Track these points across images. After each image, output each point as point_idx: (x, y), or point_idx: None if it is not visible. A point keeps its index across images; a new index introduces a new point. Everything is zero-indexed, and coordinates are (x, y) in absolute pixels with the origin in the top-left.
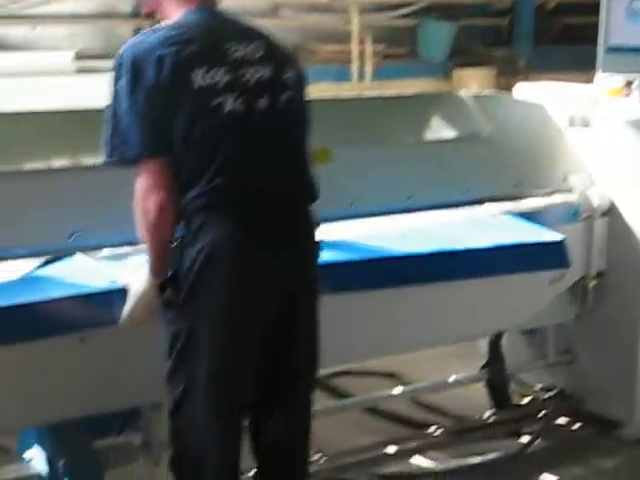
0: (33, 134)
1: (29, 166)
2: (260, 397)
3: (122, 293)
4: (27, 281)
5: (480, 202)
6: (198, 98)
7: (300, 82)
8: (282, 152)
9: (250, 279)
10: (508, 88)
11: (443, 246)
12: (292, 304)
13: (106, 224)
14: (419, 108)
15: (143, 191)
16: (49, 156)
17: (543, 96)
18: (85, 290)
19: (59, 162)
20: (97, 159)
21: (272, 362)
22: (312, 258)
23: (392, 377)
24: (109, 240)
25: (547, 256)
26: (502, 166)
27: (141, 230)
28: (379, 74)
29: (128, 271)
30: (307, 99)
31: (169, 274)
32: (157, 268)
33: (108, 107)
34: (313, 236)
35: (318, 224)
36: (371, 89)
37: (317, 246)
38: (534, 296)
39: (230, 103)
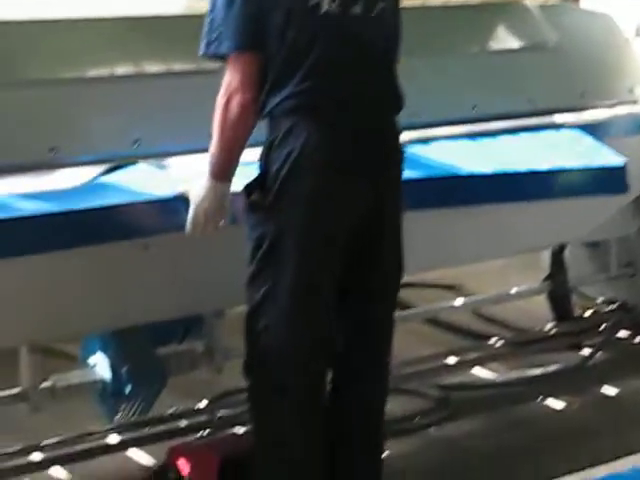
0: (96, 41)
1: (93, 73)
2: (342, 299)
3: (185, 200)
4: (91, 187)
5: (544, 113)
6: None
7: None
8: (373, 59)
9: (338, 184)
10: None
11: (506, 167)
12: (378, 212)
13: (169, 132)
14: (484, 17)
15: (230, 87)
16: (112, 64)
17: (610, 5)
18: (149, 197)
19: (123, 69)
20: (160, 67)
21: (356, 270)
22: (398, 167)
23: (453, 289)
24: (172, 148)
25: (607, 181)
26: (567, 77)
27: (217, 127)
28: None
29: (190, 178)
30: (399, 11)
31: (256, 177)
32: (222, 170)
33: (209, 1)
34: (398, 145)
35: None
36: None
37: (402, 155)
38: (597, 209)
39: (327, 3)
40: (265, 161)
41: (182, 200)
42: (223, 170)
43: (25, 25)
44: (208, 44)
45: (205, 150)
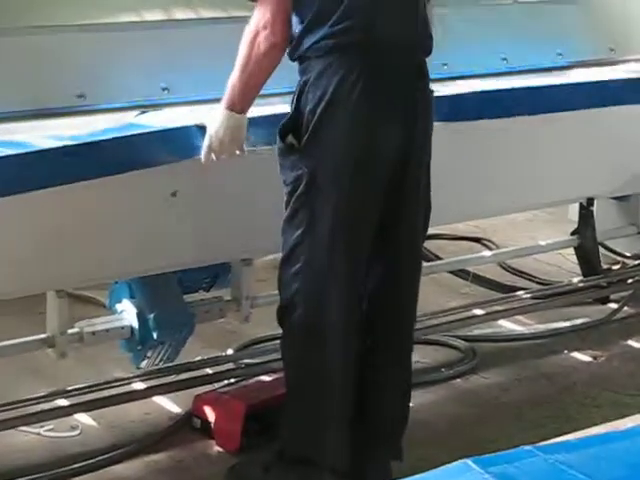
0: None
1: (122, 19)
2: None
3: (203, 129)
4: (121, 127)
5: (574, 66)
6: None
7: None
8: (407, 2)
9: (371, 123)
10: None
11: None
12: (407, 154)
13: (197, 80)
14: None
15: (259, 22)
16: (141, 10)
17: None
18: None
19: (151, 16)
20: (189, 14)
21: (387, 215)
22: (428, 109)
23: (480, 241)
24: (200, 96)
25: None
26: (597, 29)
27: (241, 59)
28: None
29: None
30: None
31: (288, 119)
32: (239, 102)
33: None
34: (429, 87)
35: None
36: None
37: (432, 99)
38: (626, 162)
39: None
40: (298, 102)
41: (200, 129)
42: (241, 102)
43: None
44: None
45: None
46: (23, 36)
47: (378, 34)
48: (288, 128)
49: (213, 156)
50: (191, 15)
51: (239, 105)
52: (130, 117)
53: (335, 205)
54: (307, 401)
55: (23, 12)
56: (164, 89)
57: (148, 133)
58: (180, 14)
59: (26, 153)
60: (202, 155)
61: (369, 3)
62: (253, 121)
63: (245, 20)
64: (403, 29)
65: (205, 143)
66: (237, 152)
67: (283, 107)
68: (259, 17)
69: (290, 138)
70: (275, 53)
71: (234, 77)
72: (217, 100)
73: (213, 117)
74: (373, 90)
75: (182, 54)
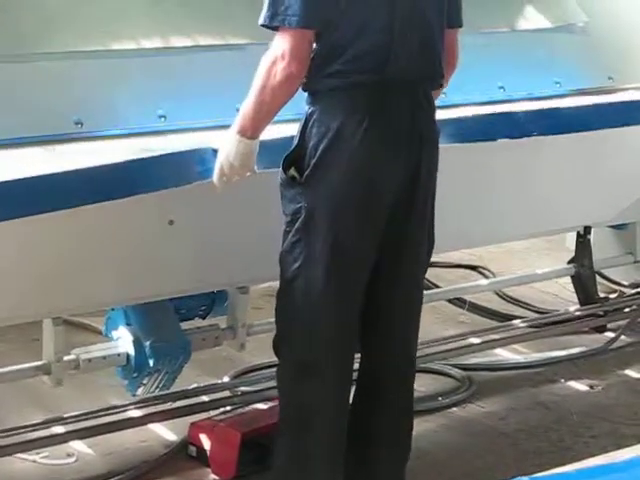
0: (124, 14)
1: (120, 46)
2: (376, 271)
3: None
4: None
5: (572, 94)
6: None
7: None
8: (423, 38)
9: (374, 161)
10: None
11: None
12: (411, 190)
13: (195, 107)
14: None
15: (278, 52)
16: (139, 37)
17: None
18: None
19: (150, 43)
20: (187, 41)
21: (390, 249)
22: (433, 145)
23: (477, 269)
24: (197, 124)
25: None
26: (595, 58)
27: (256, 88)
28: None
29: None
30: None
31: (292, 152)
32: (251, 129)
33: None
34: (434, 124)
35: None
36: None
37: (437, 134)
38: (624, 190)
39: None
40: (302, 135)
41: (212, 153)
42: (252, 129)
43: None
44: (274, 16)
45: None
46: (20, 63)
47: (390, 74)
48: (291, 160)
49: (224, 179)
50: (188, 43)
51: (250, 131)
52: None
53: (332, 245)
54: (296, 433)
55: (20, 39)
56: (161, 116)
57: (145, 159)
58: (178, 42)
59: (21, 179)
60: (214, 179)
61: (384, 43)
62: None
63: (243, 48)
64: (416, 65)
65: (216, 167)
66: (248, 174)
67: (279, 132)
68: (278, 46)
69: (292, 171)
70: (291, 84)
71: (247, 103)
72: (215, 128)
73: (224, 141)
74: (378, 130)
75: (180, 82)
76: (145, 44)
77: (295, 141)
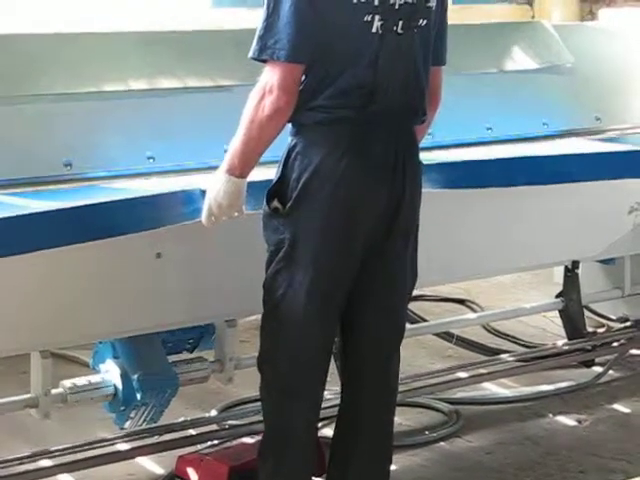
0: (111, 56)
1: (108, 88)
2: (357, 300)
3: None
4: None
5: (560, 135)
6: (354, 11)
7: (444, 8)
8: (408, 75)
9: (356, 196)
10: (591, 14)
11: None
12: (392, 223)
13: (183, 148)
14: (501, 36)
15: (266, 86)
16: (127, 79)
17: (628, 23)
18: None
19: (138, 85)
20: (175, 83)
21: (370, 281)
22: (415, 180)
23: (465, 303)
24: (186, 165)
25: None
26: (583, 99)
27: (245, 124)
28: None
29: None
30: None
31: (274, 184)
32: (240, 167)
33: (267, 4)
34: (417, 158)
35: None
36: (451, 13)
37: (420, 168)
38: (612, 225)
39: (377, 21)
40: (285, 168)
41: (201, 193)
42: (240, 166)
43: (41, 38)
44: (263, 49)
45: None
46: (9, 105)
47: (373, 109)
48: (273, 192)
49: (213, 219)
50: (176, 84)
51: (239, 169)
52: None
53: (312, 277)
54: (277, 450)
55: (8, 81)
56: (149, 158)
57: (134, 199)
58: (166, 83)
59: (11, 217)
60: (203, 218)
61: (369, 78)
62: None
63: (231, 89)
64: (400, 100)
65: (205, 207)
66: (236, 214)
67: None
68: (266, 79)
69: (275, 202)
70: (279, 118)
71: (236, 139)
72: (203, 169)
73: (213, 180)
74: (360, 163)
75: (168, 123)
76: (133, 86)
77: (277, 173)
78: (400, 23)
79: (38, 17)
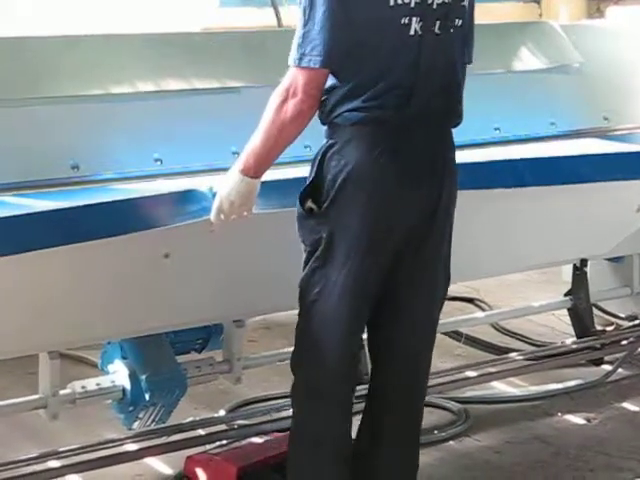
0: (119, 58)
1: (115, 90)
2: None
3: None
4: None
5: (568, 135)
6: (392, 13)
7: (472, 6)
8: (447, 76)
9: (392, 196)
10: (599, 12)
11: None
12: (431, 220)
13: (191, 151)
14: (509, 36)
15: (290, 88)
16: (135, 81)
17: (636, 21)
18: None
19: (145, 87)
20: (182, 85)
21: (405, 283)
22: (452, 181)
23: (474, 302)
24: (193, 167)
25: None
26: (591, 99)
27: (265, 124)
28: None
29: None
30: (473, 20)
31: (309, 184)
32: (255, 167)
33: (303, 11)
34: (454, 160)
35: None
36: None
37: (457, 171)
38: (621, 223)
39: (415, 22)
40: (320, 168)
41: (210, 193)
42: (255, 167)
43: (48, 41)
44: (302, 57)
45: (226, 169)
46: (16, 107)
47: (411, 111)
48: (308, 193)
49: (222, 217)
50: (184, 86)
51: (253, 170)
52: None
53: (347, 275)
54: (307, 448)
55: (16, 84)
56: (157, 160)
57: (142, 198)
58: (173, 85)
59: (18, 215)
60: (212, 216)
61: (409, 80)
62: None
63: (238, 90)
64: (438, 102)
65: (215, 204)
66: (245, 214)
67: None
68: (290, 82)
69: (309, 203)
70: (301, 121)
71: (254, 139)
72: (211, 171)
73: (226, 178)
74: (397, 165)
75: (176, 125)
76: (141, 88)
77: (311, 174)
78: (437, 23)
79: (45, 20)
